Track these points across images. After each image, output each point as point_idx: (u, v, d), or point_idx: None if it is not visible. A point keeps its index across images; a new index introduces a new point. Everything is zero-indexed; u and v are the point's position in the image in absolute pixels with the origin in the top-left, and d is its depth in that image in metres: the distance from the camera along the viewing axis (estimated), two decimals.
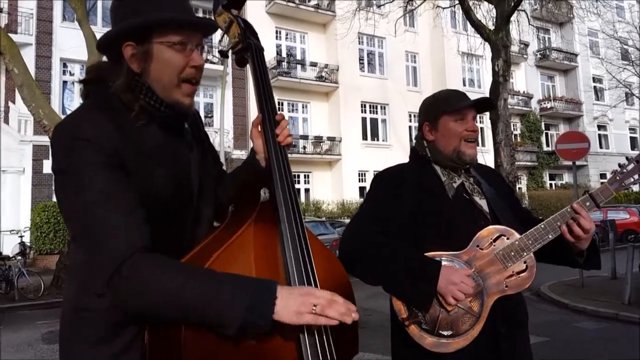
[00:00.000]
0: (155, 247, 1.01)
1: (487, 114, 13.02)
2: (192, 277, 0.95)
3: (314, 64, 21.06)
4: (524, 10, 13.11)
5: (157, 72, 1.10)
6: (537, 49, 27.99)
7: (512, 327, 1.54)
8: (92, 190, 0.98)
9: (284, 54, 21.09)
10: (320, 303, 0.95)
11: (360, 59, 22.39)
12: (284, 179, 1.16)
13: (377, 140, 22.64)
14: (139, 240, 0.98)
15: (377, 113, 22.82)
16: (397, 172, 1.71)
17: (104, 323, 1.05)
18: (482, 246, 1.52)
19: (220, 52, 1.38)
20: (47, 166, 15.78)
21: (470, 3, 12.05)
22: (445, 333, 1.45)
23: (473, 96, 1.67)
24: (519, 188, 24.90)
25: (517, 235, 1.52)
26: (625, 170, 1.58)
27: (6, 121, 15.46)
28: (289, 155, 1.23)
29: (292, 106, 21.24)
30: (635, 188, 26.75)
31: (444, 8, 15.43)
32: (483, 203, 1.62)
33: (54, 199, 14.81)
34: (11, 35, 10.98)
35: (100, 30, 15.44)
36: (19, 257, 11.03)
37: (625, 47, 22.16)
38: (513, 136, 18.22)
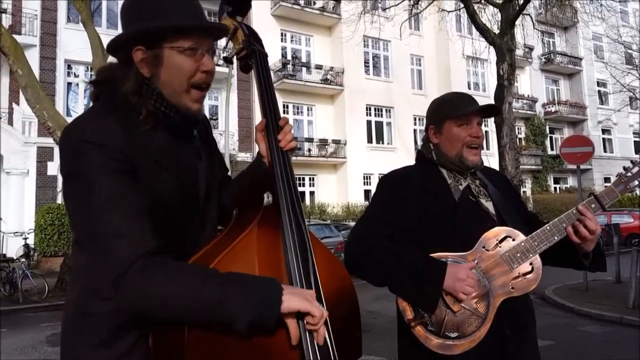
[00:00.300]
0: (162, 250, 1.01)
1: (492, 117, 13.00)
2: (200, 278, 0.96)
3: (319, 67, 21.10)
4: (529, 14, 13.09)
5: (167, 77, 1.09)
6: (541, 53, 27.95)
7: (519, 329, 1.54)
8: (100, 195, 0.98)
9: (289, 57, 21.13)
10: (320, 309, 0.99)
11: (365, 62, 22.42)
12: (286, 182, 1.16)
13: (382, 143, 22.64)
14: (145, 244, 0.98)
15: (382, 116, 22.83)
16: (403, 175, 1.72)
17: (106, 326, 1.05)
18: (488, 247, 1.52)
19: (224, 58, 1.39)
20: (52, 168, 15.84)
21: (476, 7, 12.05)
22: (451, 334, 1.45)
23: (478, 100, 1.67)
24: (524, 191, 24.82)
25: (523, 237, 1.52)
26: (630, 173, 1.58)
27: (10, 123, 15.53)
28: (294, 158, 1.24)
29: (297, 109, 21.28)
30: (639, 191, 26.70)
31: (449, 11, 15.44)
32: (489, 205, 1.62)
33: (59, 200, 14.95)
34: (15, 36, 11.01)
35: (105, 31, 15.53)
36: (23, 259, 11.06)
37: (629, 51, 22.06)
38: (517, 140, 18.19)
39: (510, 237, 1.53)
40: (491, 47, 11.61)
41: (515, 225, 1.56)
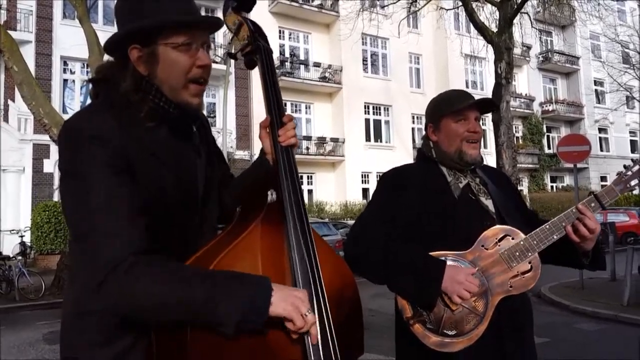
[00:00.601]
0: (160, 249, 1.01)
1: (489, 116, 13.03)
2: (187, 278, 0.95)
3: (317, 65, 21.07)
4: (527, 13, 13.12)
5: (164, 73, 1.09)
6: (539, 52, 28.00)
7: (517, 327, 1.55)
8: (97, 193, 0.98)
9: (287, 54, 21.09)
10: (309, 319, 0.98)
11: (363, 60, 22.40)
12: (290, 180, 1.16)
13: (381, 141, 22.64)
14: (135, 245, 0.97)
15: (380, 114, 22.83)
16: (403, 173, 1.72)
17: (106, 324, 1.04)
18: (487, 246, 1.52)
19: (229, 54, 1.39)
20: (48, 165, 15.77)
21: (474, 5, 12.06)
22: (449, 332, 1.46)
23: (473, 96, 1.67)
24: (521, 190, 24.89)
25: (522, 236, 1.53)
26: (630, 172, 1.59)
27: (6, 120, 15.44)
28: (295, 155, 1.24)
29: (295, 107, 21.25)
30: (635, 191, 26.66)
31: (447, 10, 15.45)
32: (489, 203, 1.62)
33: (55, 198, 14.89)
34: (10, 32, 10.91)
35: (101, 28, 15.41)
36: (20, 257, 11.01)
37: (626, 50, 22.17)
38: (515, 138, 18.23)
39: (509, 235, 1.53)
40: (489, 45, 11.64)
41: (514, 224, 1.56)
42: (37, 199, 15.27)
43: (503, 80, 10.88)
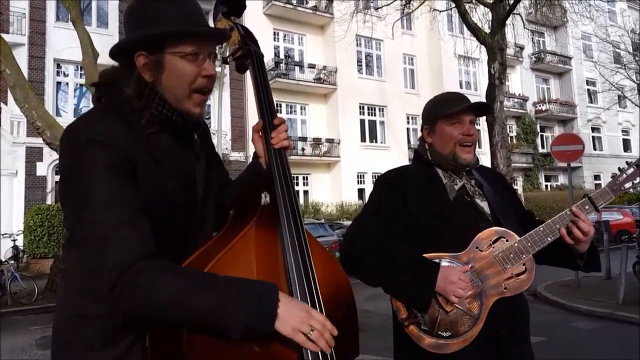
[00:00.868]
0: (159, 252, 1.01)
1: (484, 116, 13.06)
2: (196, 283, 0.96)
3: (312, 66, 21.07)
4: (519, 14, 13.18)
5: (169, 81, 1.10)
6: (532, 52, 28.16)
7: (513, 329, 1.55)
8: (101, 196, 0.98)
9: (281, 56, 21.08)
10: (316, 328, 0.98)
11: (358, 61, 22.42)
12: (283, 182, 1.17)
13: (376, 142, 22.67)
14: (142, 248, 0.97)
15: (375, 115, 22.86)
16: (400, 175, 1.73)
17: (102, 328, 1.04)
18: (481, 248, 1.53)
19: (220, 58, 1.39)
20: (41, 168, 15.67)
21: (467, 6, 12.10)
22: (444, 334, 1.46)
23: (470, 99, 1.67)
24: (515, 189, 24.97)
25: (517, 238, 1.53)
26: (625, 175, 1.59)
27: None
28: (289, 157, 1.24)
29: (291, 108, 21.24)
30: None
31: (440, 11, 15.49)
32: (484, 205, 1.63)
33: (48, 201, 14.79)
34: (3, 35, 10.84)
35: (95, 30, 15.35)
36: (12, 262, 10.89)
37: (617, 50, 22.31)
38: (509, 138, 18.31)
39: (503, 237, 1.54)
40: (482, 46, 11.68)
41: (510, 225, 1.57)
42: (30, 203, 15.15)
43: (496, 81, 10.93)
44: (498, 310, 1.50)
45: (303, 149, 20.20)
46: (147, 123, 1.08)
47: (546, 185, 28.35)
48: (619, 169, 1.61)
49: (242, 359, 0.99)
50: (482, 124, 19.09)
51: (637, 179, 1.58)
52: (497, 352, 1.50)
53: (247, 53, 1.30)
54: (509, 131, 24.94)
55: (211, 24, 1.27)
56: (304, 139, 20.46)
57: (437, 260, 1.50)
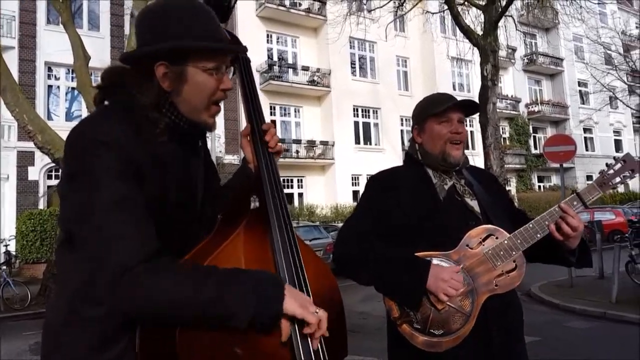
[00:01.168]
0: (162, 254, 1.01)
1: (477, 118, 13.14)
2: (199, 275, 0.96)
3: (305, 68, 21.09)
4: (511, 16, 13.27)
5: (189, 94, 1.11)
6: (524, 54, 28.38)
7: (505, 326, 1.55)
8: (106, 196, 0.97)
9: (275, 58, 21.09)
10: (318, 314, 1.01)
11: (351, 63, 22.49)
12: (273, 186, 1.18)
13: (370, 144, 22.72)
14: (145, 249, 0.97)
15: (369, 117, 22.92)
16: (391, 175, 1.75)
17: (98, 331, 1.03)
18: (471, 245, 1.54)
19: None
20: (33, 173, 15.55)
21: (459, 8, 12.18)
22: (436, 332, 1.47)
23: (458, 100, 1.69)
24: (509, 190, 25.07)
25: (506, 235, 1.54)
26: (612, 170, 1.60)
27: None
28: (283, 160, 1.27)
29: (285, 110, 21.24)
30: (621, 189, 27.24)
31: (433, 13, 15.57)
32: (474, 204, 1.64)
33: (40, 206, 14.62)
34: None
35: (86, 33, 15.29)
36: (4, 267, 10.83)
37: (608, 52, 22.53)
38: (502, 139, 18.43)
39: (493, 235, 1.55)
40: (475, 48, 11.75)
41: (500, 223, 1.58)
42: (22, 207, 15.02)
43: (489, 82, 10.99)
44: (490, 308, 1.50)
45: (297, 152, 20.20)
46: (160, 132, 1.09)
47: (539, 186, 28.54)
48: (607, 165, 1.62)
49: (234, 357, 0.98)
50: (476, 125, 19.19)
51: (624, 174, 1.59)
52: (489, 349, 1.50)
53: (235, 58, 1.32)
54: (502, 132, 25.10)
55: None
56: (298, 142, 20.47)
57: (428, 259, 1.51)
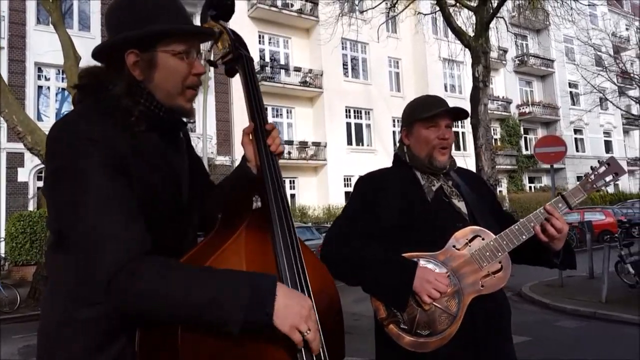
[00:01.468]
0: (152, 252, 1.00)
1: (468, 118, 13.22)
2: (192, 277, 0.95)
3: (297, 69, 21.09)
4: (503, 18, 13.35)
5: (162, 79, 1.11)
6: (515, 55, 28.58)
7: (492, 326, 1.56)
8: (95, 193, 0.96)
9: (267, 59, 21.07)
10: (313, 329, 0.98)
11: (344, 64, 22.52)
12: (276, 186, 1.18)
13: (362, 145, 22.76)
14: (139, 246, 0.96)
15: (361, 118, 22.96)
16: (379, 176, 1.75)
17: (95, 332, 1.02)
18: (458, 246, 1.55)
19: (209, 61, 1.39)
20: (22, 174, 15.39)
21: (451, 10, 12.24)
22: (423, 332, 1.48)
23: (454, 102, 1.70)
24: (500, 191, 25.27)
25: (492, 236, 1.56)
26: (597, 173, 1.62)
27: None
28: (278, 162, 1.26)
29: (277, 111, 21.22)
30: (611, 189, 27.50)
31: (425, 14, 15.63)
32: (462, 205, 1.65)
33: (30, 207, 14.47)
34: None
35: (76, 33, 15.17)
36: None
37: (599, 53, 22.73)
38: (493, 140, 18.54)
39: (480, 236, 1.56)
40: (466, 49, 11.81)
41: (486, 225, 1.59)
42: (12, 209, 14.86)
43: (480, 84, 11.05)
44: (476, 308, 1.51)
45: (289, 153, 20.18)
46: (136, 120, 1.07)
47: (530, 187, 28.73)
48: (591, 168, 1.64)
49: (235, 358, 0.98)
50: (467, 126, 19.29)
51: (608, 177, 1.61)
52: (475, 349, 1.51)
53: (237, 57, 1.31)
54: (493, 133, 25.27)
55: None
56: (290, 143, 20.45)
57: (415, 260, 1.52)
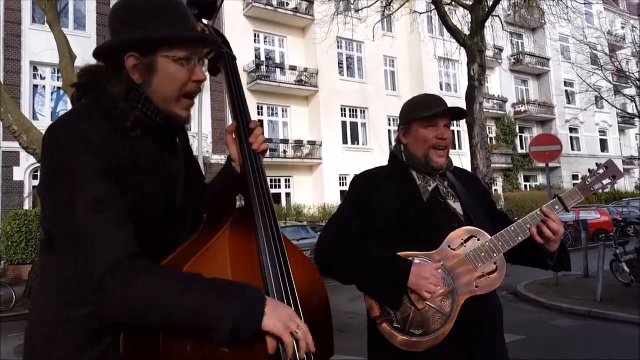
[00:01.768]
0: (142, 255, 1.00)
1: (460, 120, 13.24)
2: (180, 283, 0.95)
3: (293, 68, 21.07)
4: (498, 16, 13.40)
5: (160, 85, 1.10)
6: (511, 54, 28.67)
7: (485, 327, 1.56)
8: (87, 196, 0.96)
9: (262, 58, 21.03)
10: (302, 329, 0.99)
11: (339, 63, 22.52)
12: (259, 185, 1.18)
13: (358, 144, 22.77)
14: (127, 249, 0.96)
15: (357, 117, 22.97)
16: (374, 176, 1.74)
17: (82, 331, 1.02)
18: (453, 247, 1.55)
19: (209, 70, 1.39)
20: (18, 173, 15.34)
21: (446, 8, 12.25)
22: (416, 332, 1.48)
23: (449, 101, 1.70)
24: (495, 190, 25.37)
25: (488, 237, 1.55)
26: (595, 176, 1.62)
27: None
28: (270, 160, 1.27)
29: (272, 110, 21.20)
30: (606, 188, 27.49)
31: (420, 13, 15.65)
32: (457, 206, 1.65)
33: (26, 206, 14.41)
34: None
35: (72, 32, 15.11)
36: None
37: (594, 52, 22.83)
38: (489, 139, 18.56)
39: (475, 237, 1.56)
40: (462, 48, 11.83)
41: (481, 226, 1.59)
42: (7, 208, 14.83)
43: (476, 82, 11.07)
44: (470, 309, 1.51)
45: (285, 152, 20.17)
46: (132, 125, 1.07)
47: (525, 186, 28.83)
48: (589, 171, 1.64)
49: None
50: (462, 125, 19.33)
51: (606, 180, 1.61)
52: (468, 350, 1.51)
53: (220, 55, 1.31)
54: (489, 132, 25.34)
55: None
56: (285, 142, 20.45)
57: (410, 259, 1.52)
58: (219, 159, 18.50)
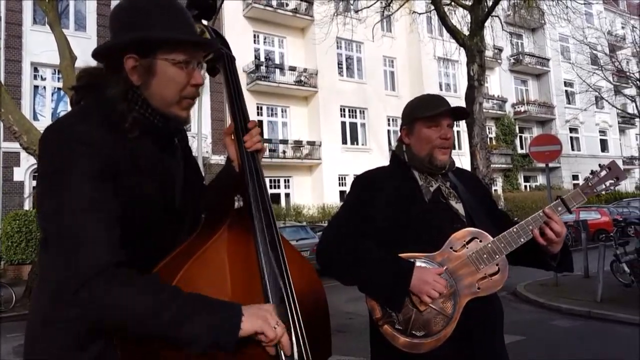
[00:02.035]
0: (136, 259, 1.00)
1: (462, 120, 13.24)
2: (163, 295, 0.94)
3: (292, 68, 21.06)
4: (498, 16, 13.39)
5: (158, 87, 1.10)
6: (510, 54, 28.66)
7: (487, 328, 1.57)
8: (79, 197, 0.96)
9: (262, 58, 21.03)
10: (280, 325, 0.99)
11: (339, 64, 22.51)
12: (256, 186, 1.17)
13: (357, 144, 22.77)
14: (113, 255, 0.96)
15: (356, 117, 22.96)
16: (376, 176, 1.74)
17: (76, 331, 1.03)
18: (455, 248, 1.55)
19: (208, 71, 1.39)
20: (18, 173, 15.34)
21: (446, 9, 12.26)
22: (417, 333, 1.47)
23: (449, 101, 1.70)
24: (495, 190, 25.36)
25: (490, 238, 1.55)
26: (597, 177, 1.62)
27: None
28: (270, 160, 1.27)
29: (271, 110, 21.19)
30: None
31: (420, 13, 15.66)
32: (459, 207, 1.64)
33: (26, 207, 14.40)
34: None
35: (72, 33, 15.11)
36: None
37: (594, 52, 22.83)
38: (488, 139, 18.58)
39: (477, 238, 1.55)
40: (461, 48, 11.83)
41: (483, 227, 1.58)
42: (7, 208, 14.83)
43: (475, 82, 11.07)
44: (472, 310, 1.51)
45: (284, 152, 20.17)
46: (129, 127, 1.07)
47: (525, 186, 28.81)
48: (592, 172, 1.64)
49: None
50: (462, 125, 19.33)
51: (609, 181, 1.61)
52: (470, 351, 1.51)
53: (219, 56, 1.31)
54: (488, 132, 25.35)
55: None
56: (285, 142, 20.44)
57: (412, 260, 1.52)
58: (219, 160, 18.48)
